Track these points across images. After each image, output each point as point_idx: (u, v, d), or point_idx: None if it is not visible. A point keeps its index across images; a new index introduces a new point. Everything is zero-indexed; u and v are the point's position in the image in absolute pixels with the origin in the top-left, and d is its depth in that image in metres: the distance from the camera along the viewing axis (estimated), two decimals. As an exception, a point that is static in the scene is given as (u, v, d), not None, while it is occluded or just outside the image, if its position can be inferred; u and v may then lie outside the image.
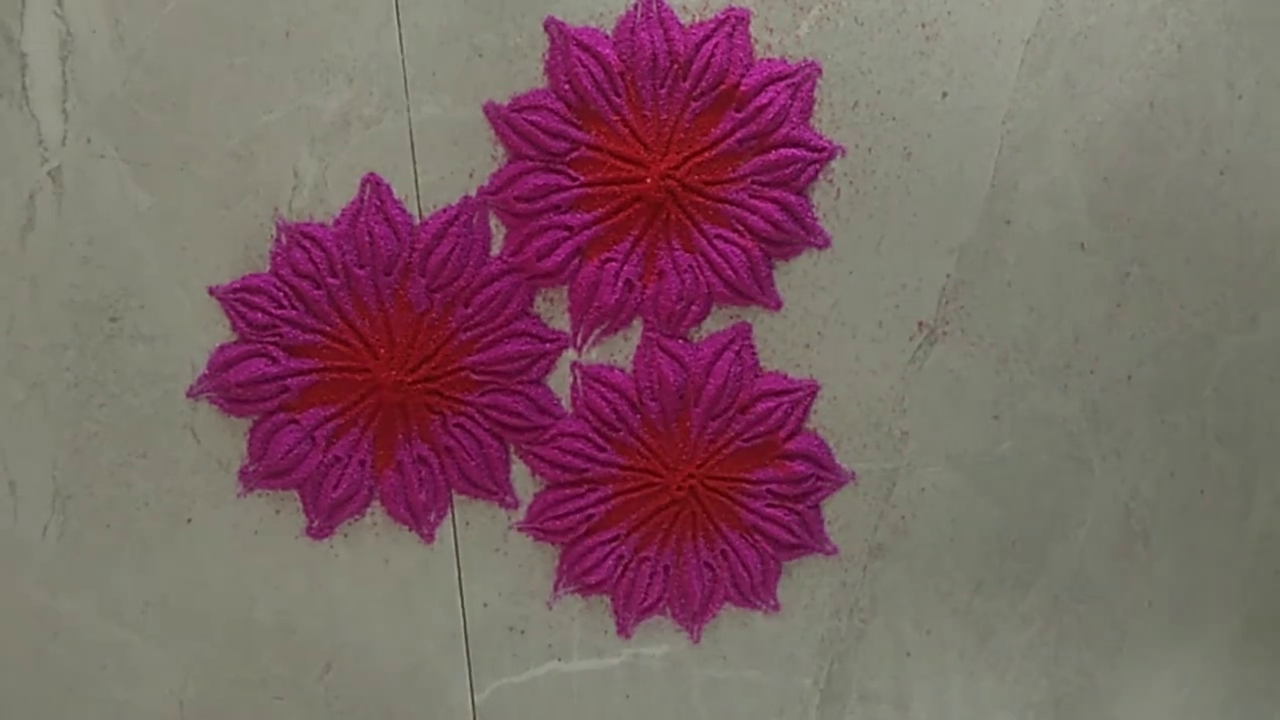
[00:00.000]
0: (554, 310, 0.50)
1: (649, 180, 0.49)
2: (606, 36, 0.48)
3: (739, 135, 0.49)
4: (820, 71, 0.49)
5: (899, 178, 0.50)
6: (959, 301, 0.52)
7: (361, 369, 0.49)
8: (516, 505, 0.51)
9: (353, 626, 0.51)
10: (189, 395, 0.49)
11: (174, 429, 0.49)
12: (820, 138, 0.49)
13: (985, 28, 0.50)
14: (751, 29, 0.49)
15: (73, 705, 0.51)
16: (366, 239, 0.48)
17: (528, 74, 0.49)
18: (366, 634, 0.51)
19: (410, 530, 0.51)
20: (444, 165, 0.49)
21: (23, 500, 0.49)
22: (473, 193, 0.49)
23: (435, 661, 0.52)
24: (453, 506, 0.51)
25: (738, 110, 0.49)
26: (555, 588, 0.52)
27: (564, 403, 0.50)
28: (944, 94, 0.50)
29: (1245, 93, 0.51)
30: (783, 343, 0.51)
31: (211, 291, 0.49)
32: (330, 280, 0.49)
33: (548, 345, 0.50)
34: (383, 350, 0.49)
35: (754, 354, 0.51)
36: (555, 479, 0.50)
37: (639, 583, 0.51)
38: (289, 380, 0.49)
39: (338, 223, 0.49)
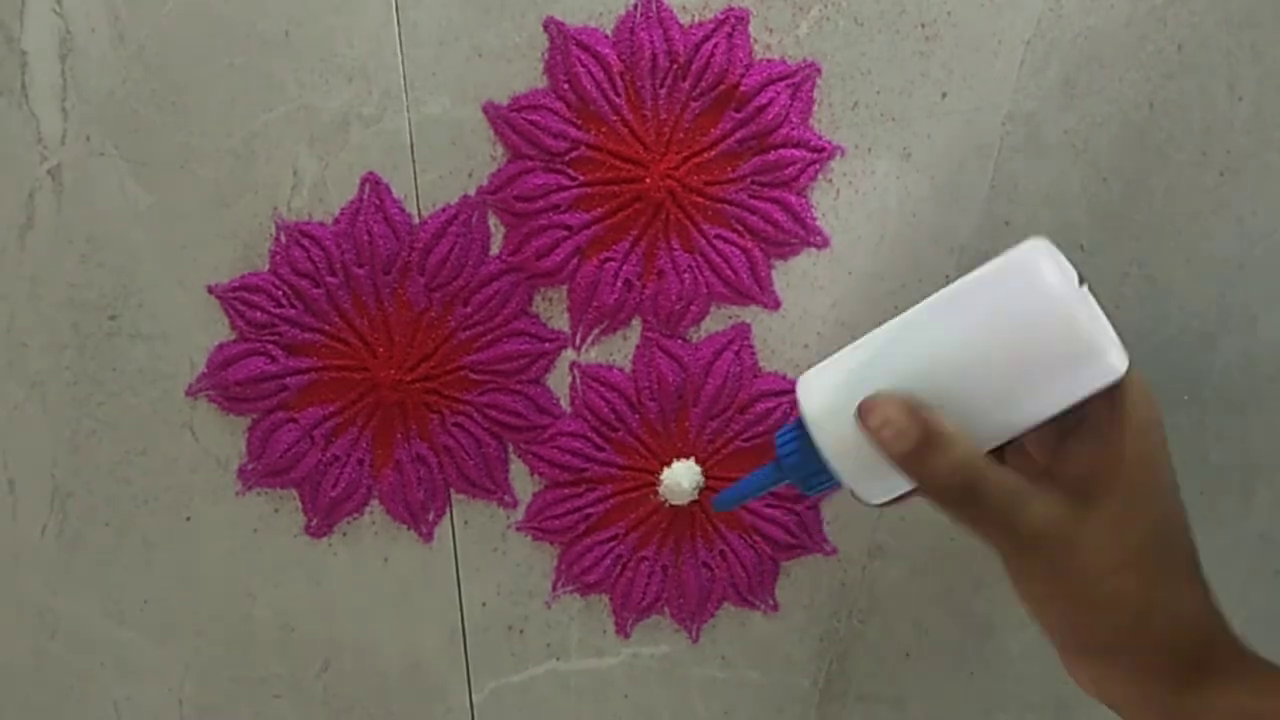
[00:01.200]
0: (553, 310, 0.50)
1: (648, 180, 0.49)
2: (606, 36, 0.48)
3: (739, 135, 0.49)
4: (820, 72, 0.49)
5: (899, 178, 0.50)
6: (959, 301, 0.51)
7: (360, 368, 0.49)
8: (515, 505, 0.51)
9: (351, 625, 0.51)
10: (188, 393, 0.49)
11: (173, 427, 0.49)
12: (820, 138, 0.49)
13: (985, 28, 0.50)
14: (751, 29, 0.49)
15: (71, 703, 0.51)
16: (365, 238, 0.48)
17: (527, 74, 0.49)
18: (365, 633, 0.51)
19: (409, 529, 0.51)
20: (443, 165, 0.49)
21: (21, 499, 0.49)
22: (472, 192, 0.49)
23: (434, 660, 0.52)
24: (451, 506, 0.51)
25: (737, 110, 0.49)
26: (554, 587, 0.52)
27: (563, 402, 0.50)
28: (944, 94, 0.50)
29: (1245, 93, 0.51)
30: (782, 343, 0.51)
31: (210, 290, 0.49)
32: (329, 279, 0.49)
33: (546, 345, 0.50)
34: (381, 349, 0.49)
35: (753, 354, 0.51)
36: (554, 478, 0.50)
37: (637, 582, 0.51)
38: (288, 379, 0.49)
39: (337, 222, 0.49)
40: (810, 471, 0.39)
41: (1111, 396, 0.36)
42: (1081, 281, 0.36)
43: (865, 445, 0.37)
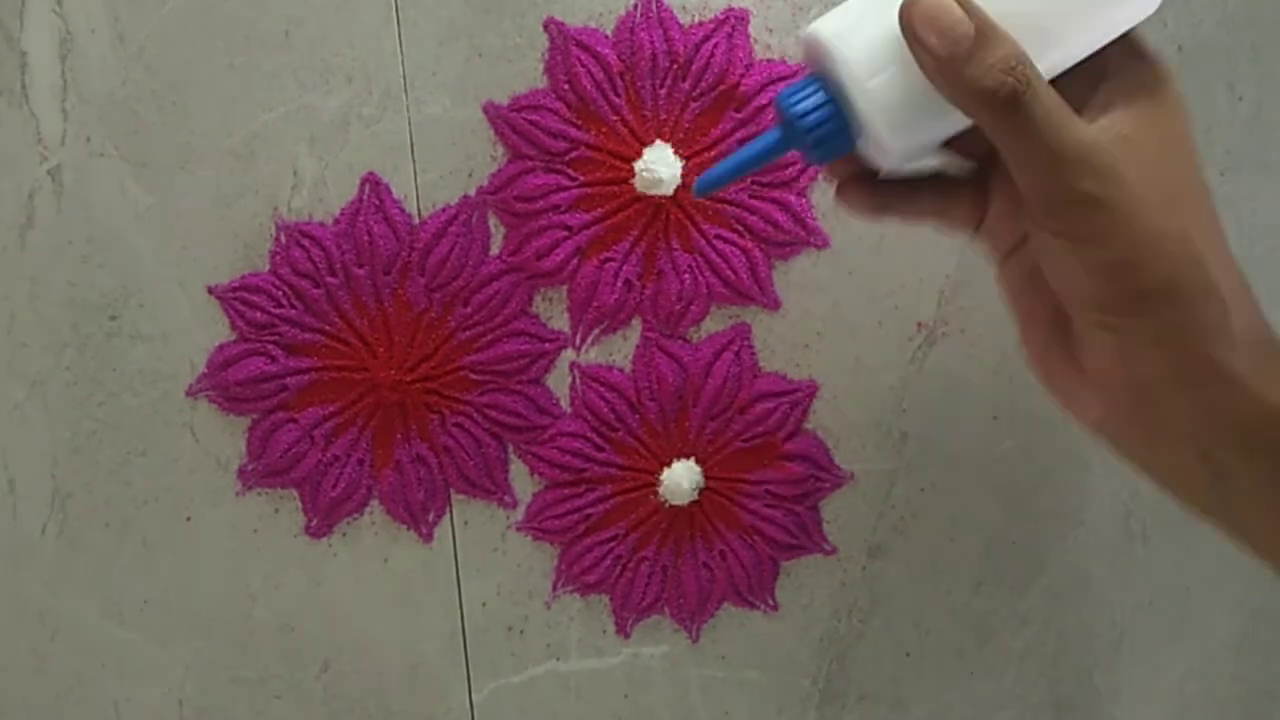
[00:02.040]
0: (553, 310, 0.50)
1: (649, 180, 0.49)
2: (606, 36, 0.48)
3: (739, 135, 0.49)
4: (820, 71, 0.49)
5: (899, 178, 0.50)
6: (959, 301, 0.52)
7: (360, 368, 0.49)
8: (515, 505, 0.51)
9: (351, 626, 0.51)
10: (188, 394, 0.49)
11: (173, 428, 0.49)
12: (820, 138, 0.49)
13: (985, 28, 0.50)
14: (751, 29, 0.49)
15: (71, 704, 0.51)
16: (366, 238, 0.48)
17: (527, 74, 0.49)
18: (365, 633, 0.51)
19: (409, 529, 0.51)
20: (443, 165, 0.49)
21: (22, 499, 0.49)
22: (472, 192, 0.49)
23: (434, 661, 0.52)
24: (451, 506, 0.51)
25: (738, 110, 0.49)
26: (554, 587, 0.51)
27: (563, 402, 0.50)
28: (944, 94, 0.50)
29: (1245, 93, 0.51)
30: (782, 343, 0.51)
31: (210, 290, 0.49)
32: (329, 279, 0.49)
33: (546, 345, 0.50)
34: (381, 349, 0.49)
35: (753, 354, 0.51)
36: (554, 478, 0.50)
37: (637, 583, 0.51)
38: (288, 379, 0.49)
39: (337, 222, 0.49)
40: (827, 126, 0.36)
41: (1136, 54, 0.36)
42: None
43: (901, 68, 0.34)
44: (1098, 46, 0.36)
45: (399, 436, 0.50)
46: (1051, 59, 0.35)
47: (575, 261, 0.49)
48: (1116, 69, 0.36)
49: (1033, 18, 0.35)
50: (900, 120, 0.35)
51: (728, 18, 0.48)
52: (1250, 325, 0.35)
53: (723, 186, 0.38)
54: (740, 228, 0.49)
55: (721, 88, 0.48)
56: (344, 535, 0.51)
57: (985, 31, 0.33)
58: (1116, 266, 0.34)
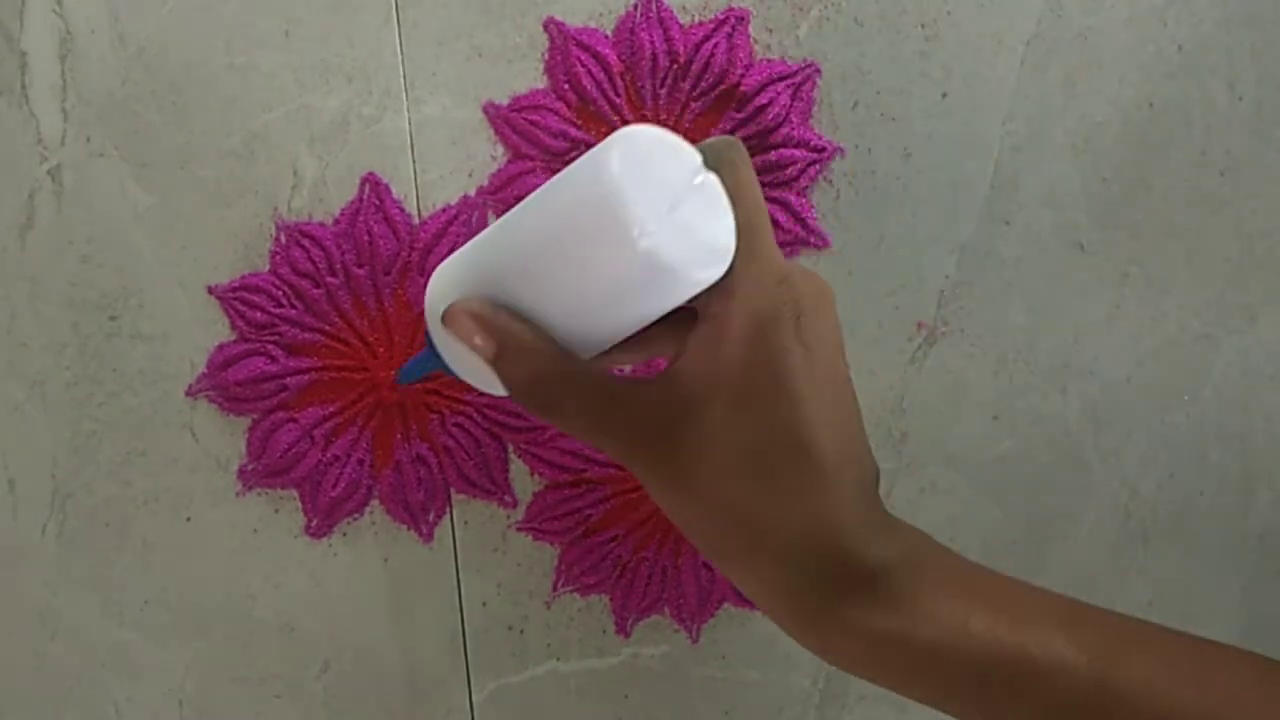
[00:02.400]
0: (553, 310, 0.50)
1: (648, 180, 0.48)
2: (606, 36, 0.48)
3: (739, 135, 0.49)
4: (820, 72, 0.49)
5: (899, 178, 0.50)
6: (959, 302, 0.52)
7: (360, 368, 0.49)
8: (515, 505, 0.51)
9: (351, 626, 0.51)
10: (188, 394, 0.49)
11: (173, 428, 0.49)
12: (820, 138, 0.49)
13: (985, 28, 0.50)
14: (751, 29, 0.49)
15: (71, 704, 0.51)
16: (366, 238, 0.48)
17: (528, 74, 0.49)
18: (365, 633, 0.51)
19: (409, 529, 0.51)
20: (443, 165, 0.49)
21: (21, 499, 0.49)
22: (472, 192, 0.49)
23: (434, 660, 0.52)
24: (451, 506, 0.51)
25: (738, 110, 0.49)
26: (554, 587, 0.51)
27: (563, 402, 0.50)
28: (944, 94, 0.50)
29: (1245, 93, 0.51)
30: (782, 343, 0.51)
31: (210, 290, 0.49)
32: (329, 279, 0.49)
33: (547, 345, 0.50)
34: (382, 349, 0.49)
35: (753, 354, 0.51)
36: (554, 479, 0.50)
37: (637, 583, 0.51)
38: (288, 379, 0.49)
39: (337, 222, 0.49)
40: (444, 359, 0.38)
41: (725, 292, 0.33)
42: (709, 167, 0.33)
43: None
44: (667, 310, 0.34)
45: (399, 436, 0.50)
46: (608, 333, 0.35)
47: (575, 261, 0.49)
48: (707, 313, 0.34)
49: (575, 300, 0.34)
50: (476, 377, 0.37)
51: (728, 18, 0.48)
52: (825, 555, 0.34)
53: (416, 379, 0.43)
54: (740, 228, 0.49)
55: (722, 87, 0.48)
56: (344, 535, 0.51)
57: (506, 351, 0.34)
58: (688, 532, 0.36)
